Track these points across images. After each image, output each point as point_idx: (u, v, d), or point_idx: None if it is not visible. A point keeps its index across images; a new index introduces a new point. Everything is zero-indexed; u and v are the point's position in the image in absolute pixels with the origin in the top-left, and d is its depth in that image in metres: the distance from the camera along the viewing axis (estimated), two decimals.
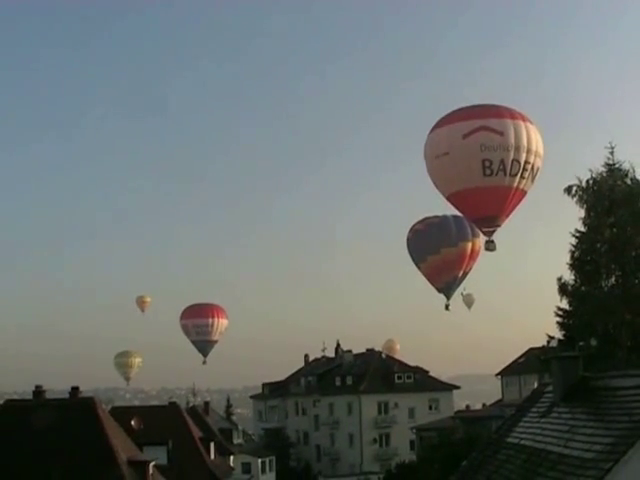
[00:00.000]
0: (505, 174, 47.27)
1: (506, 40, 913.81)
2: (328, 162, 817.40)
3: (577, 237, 42.00)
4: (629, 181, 41.23)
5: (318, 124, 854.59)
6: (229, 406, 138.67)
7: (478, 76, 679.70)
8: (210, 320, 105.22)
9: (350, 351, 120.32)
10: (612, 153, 41.76)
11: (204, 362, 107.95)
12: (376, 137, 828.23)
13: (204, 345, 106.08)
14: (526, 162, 47.63)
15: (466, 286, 69.20)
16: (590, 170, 41.59)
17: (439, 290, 66.90)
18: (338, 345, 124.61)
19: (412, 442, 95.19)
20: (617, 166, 41.62)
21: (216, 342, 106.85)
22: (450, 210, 55.50)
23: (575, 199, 41.53)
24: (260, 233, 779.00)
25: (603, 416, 23.91)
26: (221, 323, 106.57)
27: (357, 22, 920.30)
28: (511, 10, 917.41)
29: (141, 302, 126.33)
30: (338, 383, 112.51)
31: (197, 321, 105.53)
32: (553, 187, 43.44)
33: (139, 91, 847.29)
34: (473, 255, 66.97)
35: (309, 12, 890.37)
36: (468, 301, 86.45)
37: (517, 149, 47.40)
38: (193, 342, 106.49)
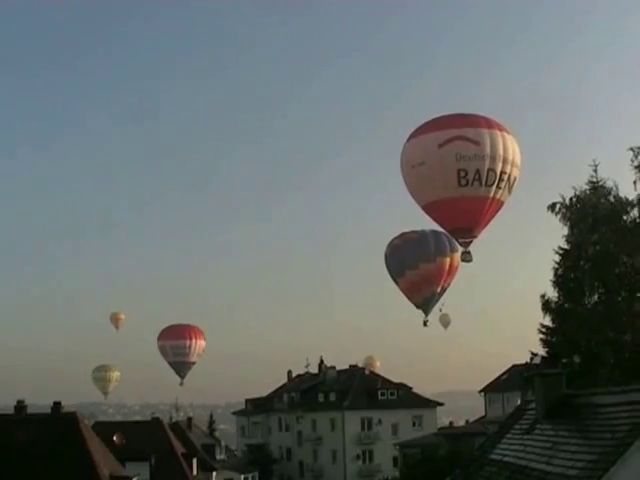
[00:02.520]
0: (481, 184, 47.25)
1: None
2: (310, 181, 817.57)
3: (560, 254, 42.05)
4: (612, 199, 41.29)
5: (295, 150, 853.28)
6: (212, 422, 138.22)
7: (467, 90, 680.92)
8: (188, 342, 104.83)
9: (333, 367, 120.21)
10: (595, 171, 41.86)
11: (181, 384, 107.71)
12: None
13: (181, 367, 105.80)
14: (502, 172, 47.63)
15: (445, 302, 68.95)
16: (574, 188, 41.68)
17: (417, 306, 66.59)
18: (321, 361, 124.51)
19: (395, 458, 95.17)
20: (600, 184, 41.69)
21: (194, 364, 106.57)
22: (428, 222, 55.14)
23: (559, 216, 41.59)
24: (244, 248, 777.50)
25: (586, 433, 23.95)
26: (199, 345, 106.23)
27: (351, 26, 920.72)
28: (500, 26, 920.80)
29: (115, 319, 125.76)
30: (321, 399, 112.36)
31: (175, 342, 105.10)
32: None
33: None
34: (452, 271, 66.80)
35: (305, 16, 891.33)
36: (444, 321, 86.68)
37: (493, 159, 47.35)
38: (170, 364, 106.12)
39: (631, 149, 39.64)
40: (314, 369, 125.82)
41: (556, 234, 42.12)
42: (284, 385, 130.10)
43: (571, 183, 41.92)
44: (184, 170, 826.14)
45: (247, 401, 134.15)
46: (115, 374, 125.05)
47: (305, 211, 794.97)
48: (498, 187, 47.97)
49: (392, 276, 68.15)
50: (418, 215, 51.85)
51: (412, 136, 49.68)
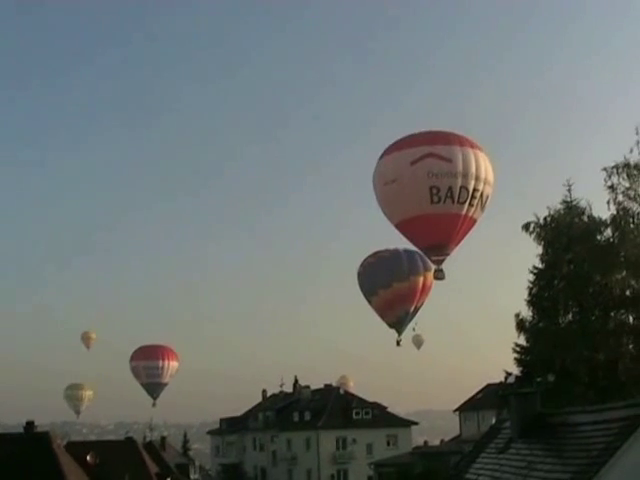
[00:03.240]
0: (453, 201, 47.23)
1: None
2: (292, 197, 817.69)
3: (535, 273, 42.19)
4: (586, 218, 41.53)
5: (264, 175, 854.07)
6: (186, 441, 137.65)
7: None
8: (160, 362, 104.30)
9: (308, 386, 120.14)
10: (570, 190, 42.08)
11: (154, 404, 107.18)
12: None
13: (154, 388, 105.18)
14: (475, 189, 47.63)
15: (418, 321, 68.61)
16: (548, 207, 41.88)
17: (390, 325, 66.28)
18: (296, 380, 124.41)
19: (370, 478, 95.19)
20: (575, 203, 41.92)
21: (166, 384, 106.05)
22: (400, 240, 55.00)
23: (533, 236, 41.75)
24: (219, 265, 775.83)
25: (561, 452, 23.99)
26: (172, 365, 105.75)
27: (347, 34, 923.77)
28: (481, 48, 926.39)
29: (86, 338, 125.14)
30: (296, 418, 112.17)
31: (147, 363, 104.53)
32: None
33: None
34: (425, 290, 66.62)
35: (301, 19, 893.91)
36: (417, 341, 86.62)
37: (465, 176, 47.35)
38: (143, 385, 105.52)
39: (604, 169, 39.88)
40: (289, 388, 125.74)
41: (530, 253, 42.34)
42: (259, 404, 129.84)
43: (546, 203, 42.12)
44: (155, 188, 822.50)
45: (221, 420, 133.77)
46: (88, 393, 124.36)
47: (282, 228, 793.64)
48: (470, 205, 47.97)
49: (365, 295, 67.90)
50: (394, 233, 51.86)
51: (385, 153, 49.65)
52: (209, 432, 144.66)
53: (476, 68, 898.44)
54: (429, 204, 47.19)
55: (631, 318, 39.81)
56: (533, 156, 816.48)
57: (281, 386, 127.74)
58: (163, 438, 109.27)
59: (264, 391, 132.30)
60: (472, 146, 48.81)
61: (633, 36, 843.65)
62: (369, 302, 67.47)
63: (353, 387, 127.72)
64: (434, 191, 46.98)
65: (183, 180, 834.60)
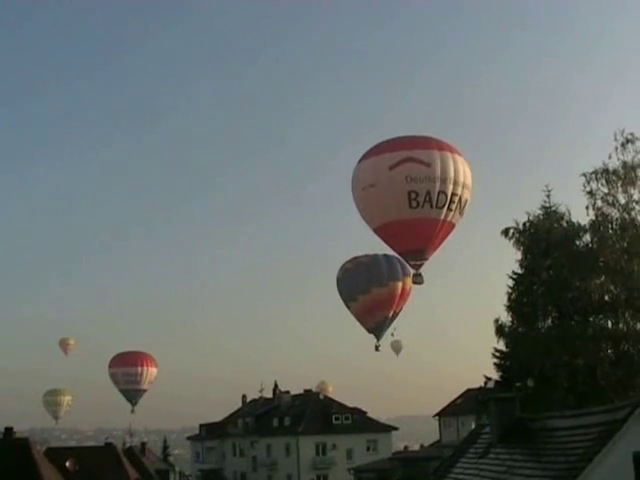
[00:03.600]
0: (431, 206, 47.11)
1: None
2: (275, 207, 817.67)
3: (514, 279, 42.30)
4: (565, 224, 41.67)
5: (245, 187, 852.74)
6: (166, 447, 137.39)
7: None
8: (139, 369, 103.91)
9: (288, 392, 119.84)
10: (549, 196, 42.23)
11: (132, 411, 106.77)
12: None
13: (133, 394, 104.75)
14: (453, 194, 47.54)
15: (397, 327, 68.32)
16: (527, 213, 42.01)
17: (369, 330, 66.06)
18: (276, 386, 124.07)
19: None
20: (553, 209, 42.06)
21: (145, 391, 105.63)
22: (381, 246, 54.77)
23: (512, 241, 41.86)
24: (199, 271, 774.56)
25: (540, 457, 24.07)
26: (150, 372, 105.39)
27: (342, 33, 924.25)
28: (465, 63, 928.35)
29: (65, 344, 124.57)
30: (276, 424, 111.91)
31: (126, 370, 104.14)
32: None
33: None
34: (404, 295, 66.46)
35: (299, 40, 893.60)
36: (396, 347, 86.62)
37: (444, 181, 47.21)
38: (121, 391, 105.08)
39: (583, 175, 40.06)
40: (269, 394, 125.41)
41: (510, 259, 42.45)
42: (239, 410, 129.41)
43: (525, 208, 42.25)
44: (141, 196, 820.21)
45: (201, 426, 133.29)
46: (66, 398, 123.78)
47: (266, 236, 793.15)
48: (449, 209, 47.89)
49: (344, 300, 67.66)
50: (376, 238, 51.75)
51: (363, 158, 49.47)
52: (189, 438, 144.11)
53: (460, 77, 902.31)
54: (407, 209, 47.07)
55: (610, 323, 39.95)
56: (513, 162, 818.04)
57: (261, 391, 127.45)
58: (143, 444, 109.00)
59: (244, 397, 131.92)
60: (451, 150, 48.69)
61: (613, 46, 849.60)
62: (348, 307, 67.23)
63: (332, 393, 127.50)
64: (412, 196, 46.84)
65: (171, 188, 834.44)
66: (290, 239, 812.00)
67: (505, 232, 42.03)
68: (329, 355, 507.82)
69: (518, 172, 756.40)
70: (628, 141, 40.04)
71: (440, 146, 48.46)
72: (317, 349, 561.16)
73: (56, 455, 69.22)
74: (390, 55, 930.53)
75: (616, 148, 39.98)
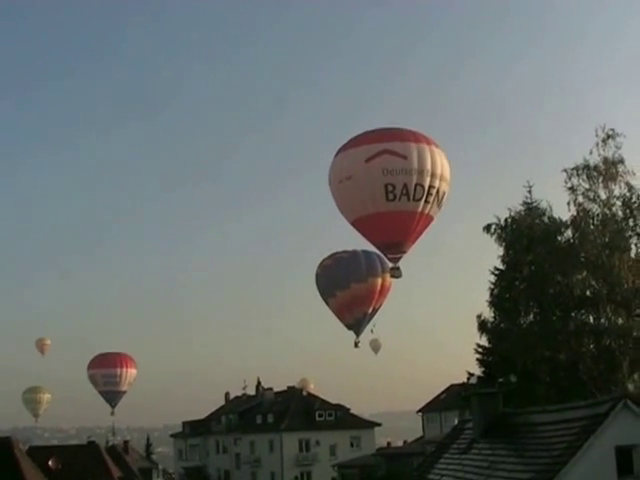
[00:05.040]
0: (409, 199, 46.60)
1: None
2: (255, 205, 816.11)
3: (496, 275, 42.37)
4: (546, 219, 41.76)
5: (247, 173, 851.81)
6: (149, 445, 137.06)
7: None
8: (118, 370, 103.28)
9: (271, 389, 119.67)
10: (530, 192, 42.31)
11: (112, 413, 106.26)
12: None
13: (112, 396, 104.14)
14: (430, 186, 47.06)
15: (376, 323, 67.73)
16: (509, 209, 42.08)
17: (348, 327, 65.58)
18: (259, 383, 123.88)
19: (334, 479, 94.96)
20: (535, 205, 42.16)
21: (124, 392, 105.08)
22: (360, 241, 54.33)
23: (494, 237, 41.92)
24: (179, 268, 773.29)
25: (523, 452, 24.14)
26: (130, 373, 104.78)
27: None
28: (447, 60, 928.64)
29: (41, 344, 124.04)
30: (259, 421, 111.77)
31: (105, 371, 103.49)
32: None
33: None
34: (383, 291, 65.94)
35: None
36: (375, 346, 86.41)
37: (420, 173, 46.66)
38: (101, 393, 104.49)
39: (564, 171, 40.17)
40: (251, 391, 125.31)
41: (492, 254, 42.52)
42: (222, 407, 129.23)
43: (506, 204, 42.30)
44: (121, 193, 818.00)
45: (184, 424, 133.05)
46: (46, 396, 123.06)
47: (248, 233, 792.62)
48: (426, 202, 47.37)
49: (323, 296, 67.16)
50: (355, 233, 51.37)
51: (340, 150, 49.05)
52: (172, 435, 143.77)
53: (441, 73, 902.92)
54: (384, 201, 46.58)
55: (591, 318, 40.09)
56: (494, 158, 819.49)
57: (244, 389, 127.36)
58: (126, 442, 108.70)
59: (227, 394, 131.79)
60: (428, 143, 48.09)
61: (593, 43, 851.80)
62: (327, 304, 66.71)
63: (313, 390, 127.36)
64: (389, 188, 46.33)
65: (150, 184, 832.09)
66: (272, 236, 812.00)
67: (487, 228, 42.09)
68: (311, 352, 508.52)
69: (499, 168, 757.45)
70: (609, 137, 40.20)
71: (417, 138, 47.95)
72: (299, 346, 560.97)
73: (39, 454, 69.04)
74: (373, 49, 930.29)
75: (597, 144, 40.14)
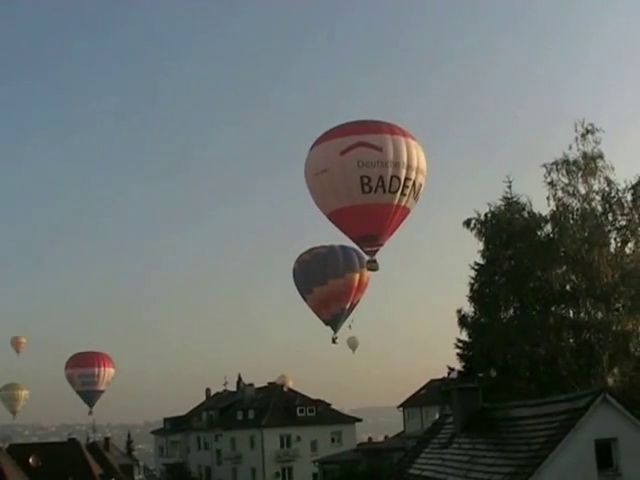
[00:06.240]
0: (384, 191, 46.21)
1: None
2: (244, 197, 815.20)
3: (476, 269, 42.47)
4: (526, 214, 41.91)
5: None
6: (130, 442, 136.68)
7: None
8: (96, 369, 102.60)
9: (252, 385, 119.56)
10: (510, 187, 42.44)
11: (90, 412, 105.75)
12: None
13: (90, 395, 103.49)
14: (407, 178, 46.73)
15: (354, 319, 67.36)
16: (489, 204, 42.20)
17: (326, 323, 65.27)
18: (240, 379, 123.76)
19: (315, 475, 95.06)
20: (515, 200, 42.28)
21: (102, 392, 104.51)
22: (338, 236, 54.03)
23: (474, 232, 42.01)
24: (159, 264, 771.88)
25: (503, 446, 24.23)
26: (107, 372, 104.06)
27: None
28: (427, 52, 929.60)
29: (16, 343, 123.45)
30: (240, 417, 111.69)
31: (82, 371, 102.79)
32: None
33: None
34: (361, 287, 65.66)
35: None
36: (352, 344, 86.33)
37: (396, 165, 46.28)
38: (78, 392, 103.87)
39: (544, 166, 40.31)
40: (232, 387, 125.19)
41: (472, 249, 42.61)
42: (203, 403, 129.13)
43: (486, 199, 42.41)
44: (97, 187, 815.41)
45: (165, 420, 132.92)
46: (23, 392, 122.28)
47: (229, 227, 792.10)
48: (403, 194, 47.03)
49: (300, 292, 66.85)
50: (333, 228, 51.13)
51: (315, 143, 48.82)
52: (153, 432, 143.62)
53: (420, 66, 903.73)
54: (360, 194, 46.28)
55: (571, 313, 40.27)
56: (473, 152, 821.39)
57: (225, 385, 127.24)
58: (107, 439, 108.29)
59: (208, 390, 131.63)
60: (403, 134, 47.75)
61: (572, 37, 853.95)
62: (304, 299, 66.47)
63: (293, 386, 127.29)
64: (365, 180, 46.00)
65: (129, 176, 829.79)
66: (250, 232, 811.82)
67: (467, 223, 42.20)
68: (290, 348, 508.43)
69: (478, 163, 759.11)
70: (588, 132, 40.39)
71: (392, 130, 47.67)
72: (278, 342, 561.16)
73: (19, 452, 68.80)
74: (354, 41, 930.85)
75: (576, 139, 40.31)
